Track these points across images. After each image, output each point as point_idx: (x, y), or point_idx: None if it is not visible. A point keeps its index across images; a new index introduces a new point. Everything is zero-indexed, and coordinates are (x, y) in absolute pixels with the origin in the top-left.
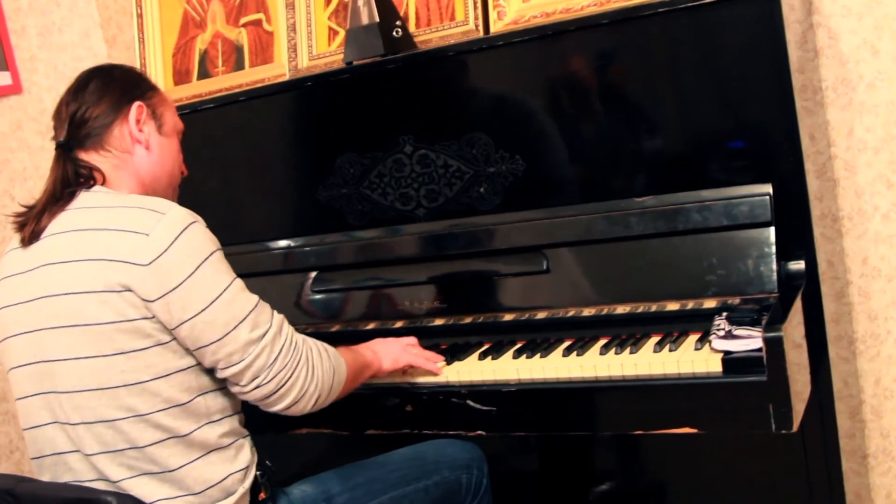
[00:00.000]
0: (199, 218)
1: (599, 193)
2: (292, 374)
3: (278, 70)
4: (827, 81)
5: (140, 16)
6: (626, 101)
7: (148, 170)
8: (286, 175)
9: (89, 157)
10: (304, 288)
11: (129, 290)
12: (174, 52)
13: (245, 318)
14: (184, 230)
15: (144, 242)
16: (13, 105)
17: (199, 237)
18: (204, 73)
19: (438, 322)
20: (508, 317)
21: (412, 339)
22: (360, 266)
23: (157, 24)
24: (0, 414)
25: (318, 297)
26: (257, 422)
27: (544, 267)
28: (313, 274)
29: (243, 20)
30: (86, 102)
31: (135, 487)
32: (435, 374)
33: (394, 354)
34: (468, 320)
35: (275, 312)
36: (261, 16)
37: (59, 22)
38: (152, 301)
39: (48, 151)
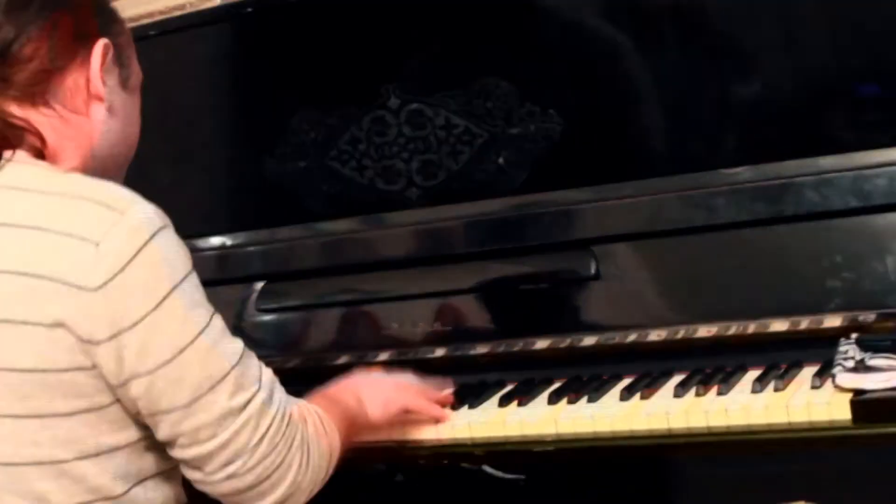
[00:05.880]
0: (168, 220)
1: (670, 164)
2: (282, 461)
3: None
4: None
5: None
6: (709, 31)
7: (106, 140)
8: (218, 142)
9: (24, 111)
10: (246, 305)
11: (63, 326)
12: None
13: (225, 377)
14: (150, 239)
15: (93, 255)
16: None
17: (169, 250)
18: None
19: (440, 353)
20: (541, 344)
21: (408, 376)
22: (326, 273)
23: None
24: None
25: (266, 317)
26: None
27: (592, 271)
28: (259, 284)
29: None
30: (26, 31)
31: None
32: (440, 421)
33: (383, 396)
34: (483, 350)
35: (262, 366)
36: None
37: None
38: (97, 344)
39: None
